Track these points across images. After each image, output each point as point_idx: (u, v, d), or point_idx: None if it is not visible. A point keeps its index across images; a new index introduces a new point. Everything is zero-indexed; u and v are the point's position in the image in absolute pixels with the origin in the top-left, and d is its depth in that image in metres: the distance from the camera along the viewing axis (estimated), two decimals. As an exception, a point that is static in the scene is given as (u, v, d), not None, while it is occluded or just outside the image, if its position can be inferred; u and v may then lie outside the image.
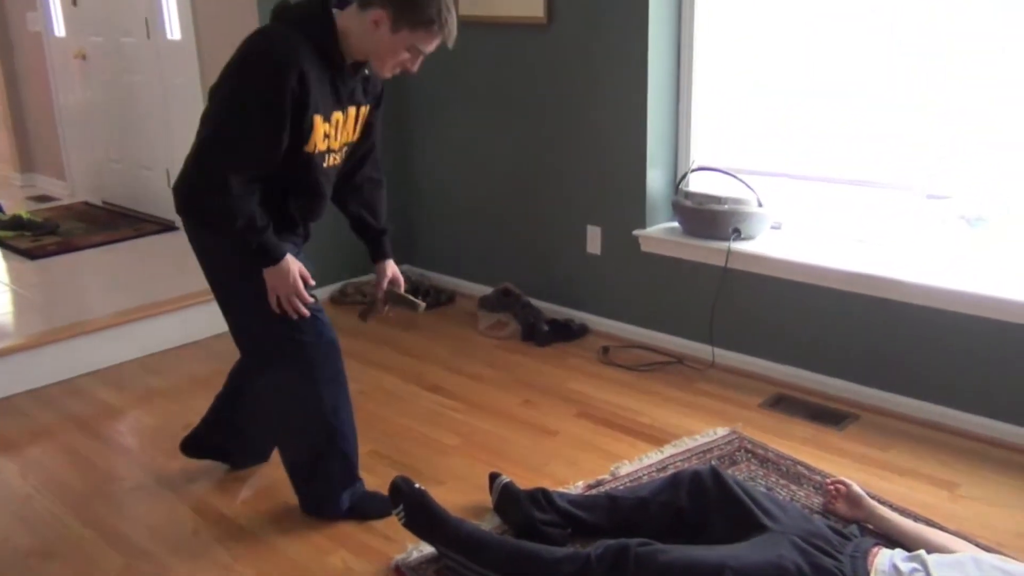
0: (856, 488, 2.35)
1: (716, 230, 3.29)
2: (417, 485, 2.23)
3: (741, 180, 3.33)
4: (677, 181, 3.53)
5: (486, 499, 2.48)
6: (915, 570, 1.85)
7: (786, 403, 3.10)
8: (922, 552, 1.93)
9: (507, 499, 2.37)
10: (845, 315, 3.06)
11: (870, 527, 2.27)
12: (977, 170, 2.85)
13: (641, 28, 3.32)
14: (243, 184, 2.10)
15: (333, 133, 2.24)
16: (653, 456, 2.73)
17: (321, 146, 2.20)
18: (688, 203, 3.36)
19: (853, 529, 2.15)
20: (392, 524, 2.28)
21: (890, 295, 2.93)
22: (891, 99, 2.97)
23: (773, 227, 3.39)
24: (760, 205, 3.29)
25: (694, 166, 3.49)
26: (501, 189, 4.03)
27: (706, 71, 3.41)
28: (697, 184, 3.50)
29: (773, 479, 2.59)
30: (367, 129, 2.43)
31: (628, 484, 2.54)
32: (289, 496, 2.54)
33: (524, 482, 2.42)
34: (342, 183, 2.46)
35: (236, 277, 2.29)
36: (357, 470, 2.47)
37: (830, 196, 3.32)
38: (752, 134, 3.36)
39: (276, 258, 2.19)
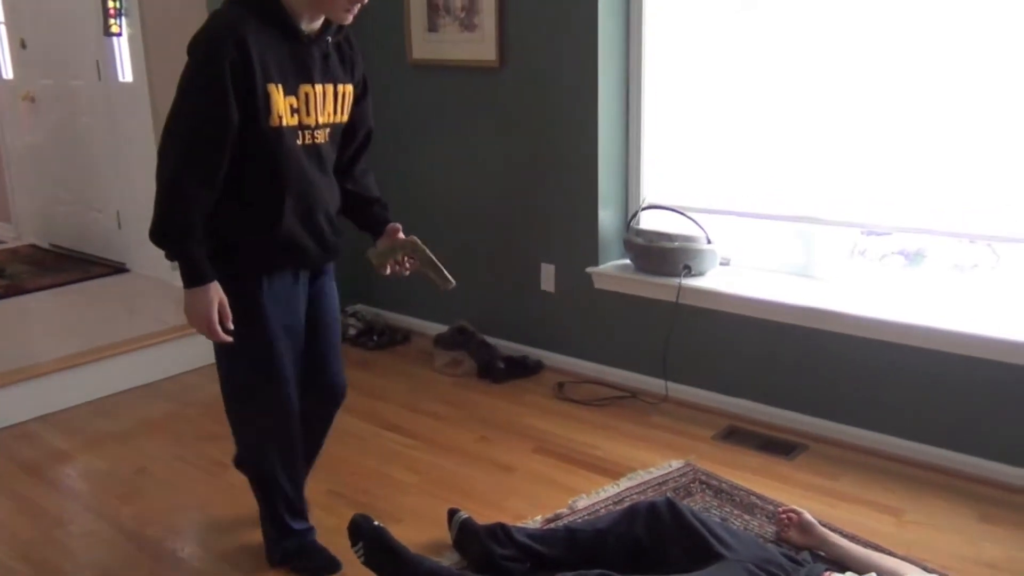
0: (807, 516, 2.41)
1: (667, 267, 3.37)
2: (376, 522, 2.24)
3: (690, 218, 3.42)
4: (628, 219, 3.61)
5: (445, 536, 2.48)
6: (864, 592, 1.90)
7: (738, 435, 3.16)
8: (872, 574, 1.99)
9: (466, 534, 2.39)
10: (793, 348, 3.15)
11: (822, 554, 2.33)
12: (915, 206, 2.96)
13: (590, 70, 3.42)
14: (197, 184, 2.01)
15: (304, 108, 2.11)
16: (610, 489, 2.77)
17: (289, 120, 2.08)
18: (639, 241, 3.44)
19: (805, 555, 2.20)
20: (353, 562, 2.27)
21: (835, 328, 3.02)
22: (834, 138, 3.08)
23: (722, 263, 3.48)
24: (709, 242, 3.37)
25: (644, 204, 3.58)
26: (455, 228, 4.08)
27: (655, 112, 3.51)
28: (648, 222, 3.59)
29: (727, 509, 2.64)
30: (359, 116, 2.33)
31: (586, 517, 2.56)
32: (247, 538, 2.53)
33: (483, 518, 2.44)
34: (339, 176, 2.34)
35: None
36: (290, 523, 2.42)
37: (776, 232, 3.43)
38: (700, 172, 3.45)
39: (194, 281, 2.06)
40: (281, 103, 2.05)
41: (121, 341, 3.75)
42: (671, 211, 3.49)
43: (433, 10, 3.87)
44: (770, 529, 2.50)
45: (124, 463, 3.04)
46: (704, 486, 2.77)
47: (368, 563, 2.19)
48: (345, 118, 2.27)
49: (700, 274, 3.39)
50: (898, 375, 2.93)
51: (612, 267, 3.59)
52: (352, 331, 4.23)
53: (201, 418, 3.39)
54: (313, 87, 2.12)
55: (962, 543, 2.47)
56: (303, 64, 2.10)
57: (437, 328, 4.12)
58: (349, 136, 2.34)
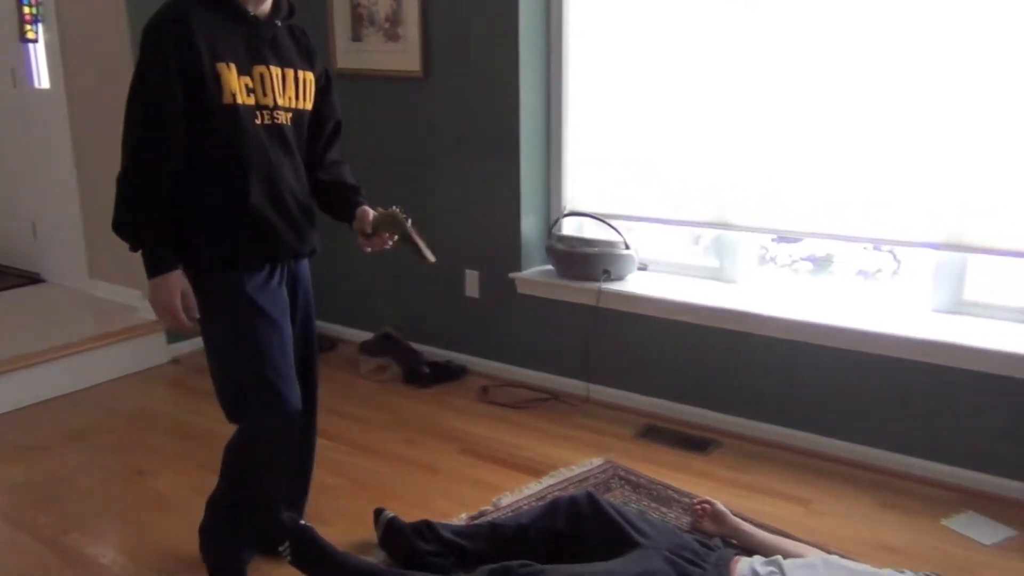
0: (720, 506, 2.52)
1: (587, 272, 3.47)
2: (303, 521, 2.26)
3: (609, 224, 3.53)
4: (550, 226, 3.70)
5: (372, 535, 2.52)
6: (772, 572, 2.01)
7: (656, 433, 3.27)
8: (778, 557, 2.10)
9: (392, 533, 2.43)
10: (707, 349, 3.28)
11: (733, 541, 2.44)
12: (822, 213, 3.12)
13: (512, 80, 3.51)
14: (151, 168, 2.03)
15: (260, 88, 2.14)
16: (533, 487, 2.84)
17: (245, 98, 2.10)
18: (561, 247, 3.54)
19: (717, 542, 2.30)
20: (280, 563, 2.29)
21: (746, 329, 3.16)
22: (746, 146, 3.22)
23: (640, 268, 3.59)
24: (627, 247, 3.49)
25: (566, 211, 3.68)
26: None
27: (577, 121, 3.61)
28: (569, 228, 3.69)
29: (645, 503, 2.73)
30: (327, 109, 2.38)
31: (510, 514, 2.63)
32: (169, 542, 2.52)
33: (409, 517, 2.48)
34: (312, 168, 2.36)
35: (204, 315, 2.19)
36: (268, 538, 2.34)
37: (692, 238, 3.56)
38: (620, 180, 3.56)
39: (156, 269, 2.08)
40: (234, 81, 2.08)
41: (37, 352, 3.68)
42: (591, 218, 3.60)
43: (357, 20, 3.92)
44: (685, 520, 2.61)
45: (42, 473, 3.00)
46: (623, 481, 2.87)
47: (295, 562, 2.21)
48: (309, 105, 2.29)
49: (619, 279, 3.50)
50: (805, 373, 3.08)
51: (534, 273, 3.67)
52: (277, 339, 4.22)
53: (122, 427, 3.36)
54: (268, 68, 2.15)
55: (863, 529, 2.61)
56: (255, 46, 2.14)
57: (363, 335, 4.15)
58: (317, 127, 2.37)
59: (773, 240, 3.46)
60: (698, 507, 2.56)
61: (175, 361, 4.03)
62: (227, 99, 2.07)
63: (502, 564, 2.08)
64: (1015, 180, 2.71)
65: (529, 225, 3.68)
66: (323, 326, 4.40)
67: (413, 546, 2.35)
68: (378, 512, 2.52)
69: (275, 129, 2.18)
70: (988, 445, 2.79)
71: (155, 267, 2.08)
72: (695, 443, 3.18)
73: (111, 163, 2.11)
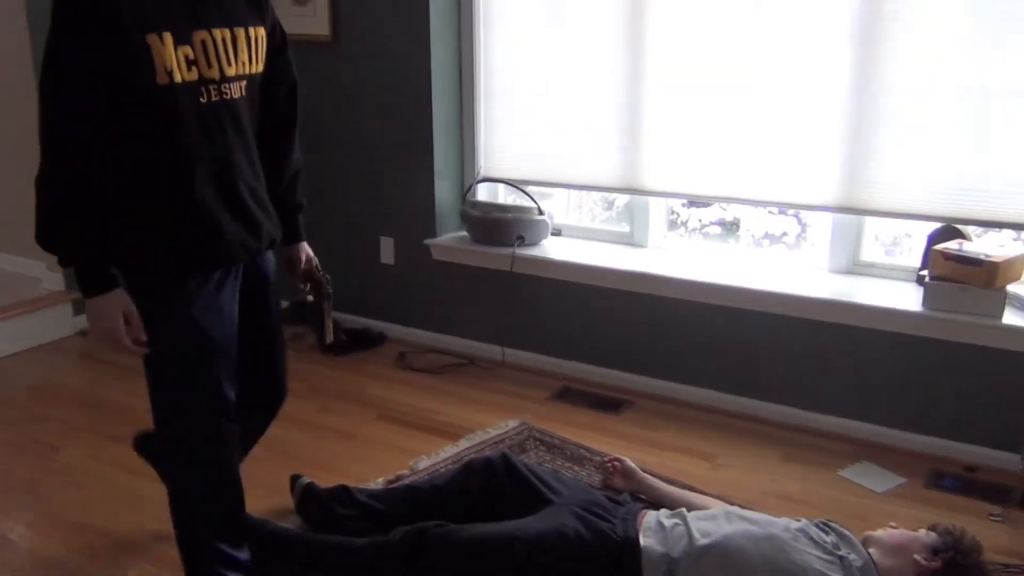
0: (629, 463, 2.61)
1: (501, 237, 3.51)
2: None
3: (523, 189, 3.56)
4: (464, 191, 3.72)
5: (288, 502, 2.53)
6: (676, 524, 2.10)
7: (570, 395, 3.35)
8: (683, 510, 2.19)
9: (308, 498, 2.45)
10: (619, 311, 3.36)
11: (643, 496, 2.53)
12: (730, 179, 3.21)
13: (423, 44, 3.49)
14: (74, 167, 1.71)
15: (204, 59, 1.78)
16: (449, 450, 2.89)
17: (186, 74, 1.75)
18: (475, 212, 3.56)
19: (626, 497, 2.39)
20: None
21: (656, 291, 3.24)
22: (656, 111, 3.28)
23: (554, 233, 3.65)
24: (541, 213, 3.53)
25: (480, 177, 3.70)
26: (294, 203, 4.08)
27: (490, 85, 3.62)
28: (486, 194, 3.72)
29: (559, 462, 2.81)
30: (279, 69, 2.06)
31: (426, 477, 2.67)
32: (80, 516, 2.49)
33: (326, 483, 2.50)
34: (265, 156, 2.04)
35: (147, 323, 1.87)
36: (232, 553, 2.10)
37: (604, 202, 3.62)
38: (534, 145, 3.58)
39: (93, 287, 1.77)
40: (170, 55, 1.72)
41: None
42: (505, 183, 3.63)
43: (265, -17, 3.83)
44: (597, 477, 2.69)
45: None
46: (538, 442, 2.94)
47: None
48: (261, 68, 1.95)
49: (533, 244, 3.55)
50: (711, 334, 3.18)
51: (449, 239, 3.69)
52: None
53: (30, 401, 3.28)
54: (210, 33, 1.79)
55: (766, 481, 2.74)
56: (193, 6, 1.78)
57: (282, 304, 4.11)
58: (268, 94, 2.02)
59: (684, 205, 3.55)
60: (608, 464, 2.64)
61: (82, 333, 3.94)
62: (161, 79, 1.72)
63: (417, 525, 2.12)
64: (902, 147, 2.84)
65: (443, 191, 3.69)
66: (237, 295, 4.37)
67: (330, 511, 2.38)
68: (294, 478, 2.54)
69: (224, 107, 1.84)
70: (882, 399, 2.94)
71: (92, 285, 1.78)
72: (608, 404, 3.27)
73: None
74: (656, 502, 2.46)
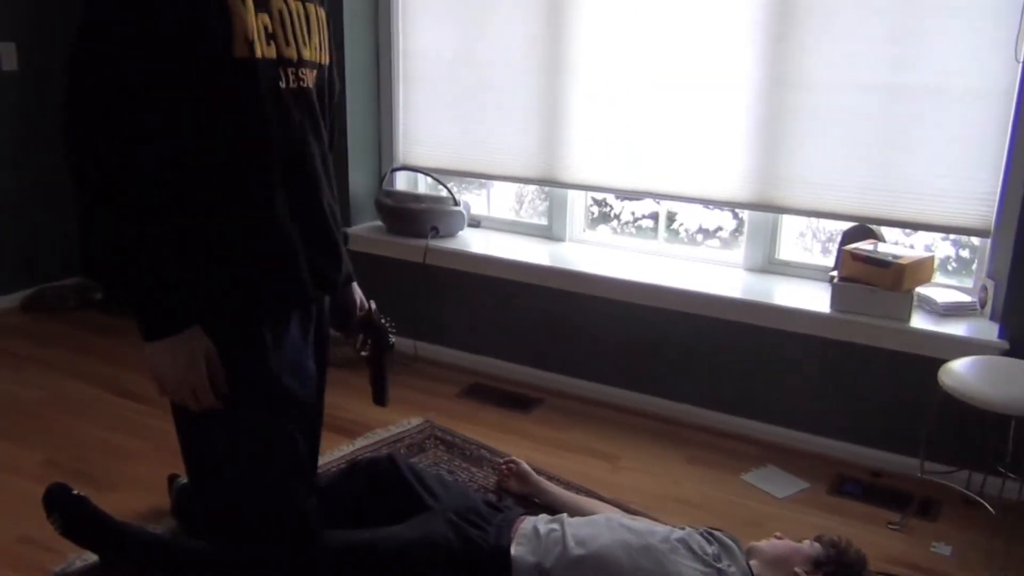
0: (524, 466, 2.52)
1: (416, 228, 3.40)
2: (75, 491, 2.14)
3: (439, 180, 3.46)
4: (380, 181, 3.61)
5: (166, 503, 2.42)
6: (553, 530, 2.02)
7: (481, 391, 3.26)
8: (563, 515, 2.11)
9: (185, 500, 2.34)
10: (532, 306, 3.27)
11: (536, 500, 2.45)
12: (663, 173, 3.12)
13: (335, 26, 3.37)
14: (139, 165, 1.34)
15: (282, 33, 1.44)
16: (344, 448, 2.79)
17: (265, 49, 1.40)
18: (389, 202, 3.45)
19: (509, 503, 2.30)
20: (53, 535, 2.17)
21: (570, 287, 3.16)
22: (583, 103, 3.19)
23: (472, 225, 3.55)
24: (456, 204, 3.43)
25: (395, 166, 3.59)
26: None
27: (408, 73, 3.51)
28: (404, 184, 3.61)
29: (457, 463, 2.72)
30: (331, 65, 1.67)
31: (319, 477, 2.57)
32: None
33: (209, 482, 2.39)
34: None
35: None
36: None
37: (523, 195, 3.53)
38: (453, 135, 3.48)
39: (161, 327, 1.39)
40: (251, 22, 1.36)
41: None
42: (421, 173, 3.52)
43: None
44: (494, 479, 2.61)
45: None
46: (438, 441, 2.84)
47: (66, 533, 2.09)
48: (328, 59, 1.61)
49: (449, 235, 3.45)
50: (624, 331, 3.11)
51: (364, 229, 3.58)
52: (98, 296, 4.01)
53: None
54: (287, 3, 1.45)
55: (667, 484, 2.67)
56: None
57: (194, 292, 3.98)
58: (321, 83, 1.63)
59: (617, 198, 3.45)
60: (503, 467, 2.56)
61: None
62: (240, 50, 1.37)
63: (285, 531, 2.02)
64: (814, 145, 2.77)
65: (358, 179, 3.58)
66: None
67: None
68: (172, 478, 2.42)
69: (303, 97, 1.49)
70: (790, 401, 2.88)
71: (164, 322, 1.39)
72: (518, 401, 3.18)
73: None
74: (550, 507, 2.38)
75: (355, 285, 1.87)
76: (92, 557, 2.14)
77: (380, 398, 1.90)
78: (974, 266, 2.82)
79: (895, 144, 2.66)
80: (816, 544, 2.01)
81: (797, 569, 1.94)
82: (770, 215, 3.01)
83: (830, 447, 2.84)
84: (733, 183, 2.94)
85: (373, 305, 1.89)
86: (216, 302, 1.44)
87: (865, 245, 2.73)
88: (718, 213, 3.31)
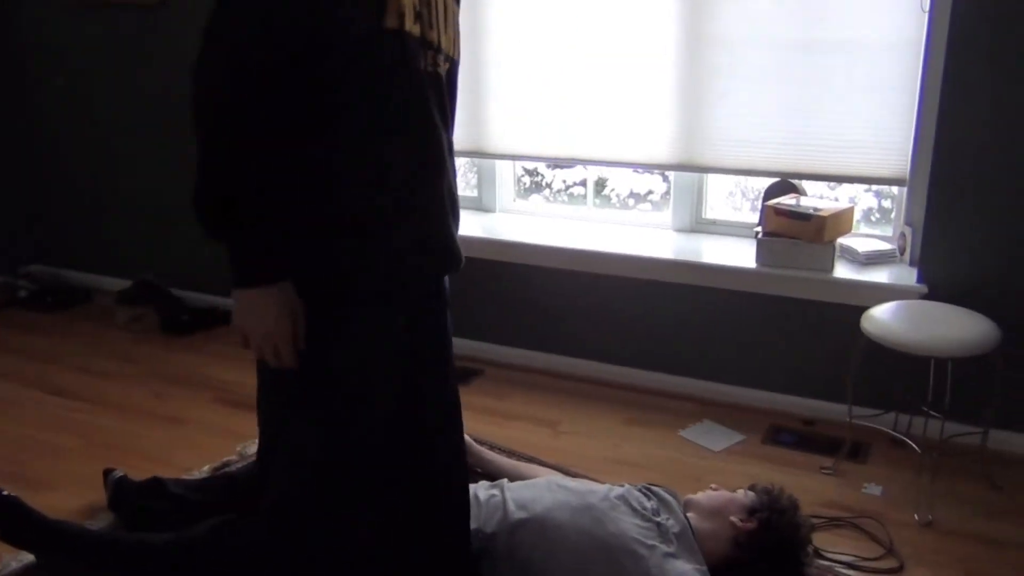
0: (465, 437, 2.53)
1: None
2: (5, 492, 2.09)
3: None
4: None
5: (103, 498, 2.37)
6: (493, 496, 2.04)
7: (420, 367, 3.25)
8: (503, 480, 2.14)
9: (120, 493, 2.30)
10: (466, 278, 3.24)
11: (479, 470, 2.46)
12: (594, 140, 3.13)
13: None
14: (259, 117, 1.32)
15: (427, 14, 1.41)
16: (283, 432, 2.76)
17: (411, 24, 1.38)
18: (316, 181, 3.41)
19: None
20: None
21: (502, 256, 3.16)
22: (503, 72, 3.17)
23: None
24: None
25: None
26: (133, 177, 3.85)
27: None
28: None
29: (398, 439, 2.72)
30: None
31: (252, 462, 2.55)
32: None
33: (147, 474, 2.34)
34: None
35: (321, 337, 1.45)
36: None
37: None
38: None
39: (254, 276, 1.39)
40: None
41: None
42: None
43: (82, -60, 3.57)
44: (435, 453, 2.61)
45: None
46: (379, 419, 2.84)
47: (1, 536, 2.05)
48: (457, 55, 1.56)
49: (379, 212, 3.42)
50: (558, 298, 3.13)
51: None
52: (23, 293, 3.91)
53: None
54: None
55: (607, 446, 2.71)
56: None
57: (123, 284, 3.90)
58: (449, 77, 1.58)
59: (548, 167, 3.45)
60: (444, 439, 2.56)
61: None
62: (391, 21, 1.34)
63: (226, 516, 2.00)
64: (734, 103, 2.81)
65: (283, 160, 3.52)
66: (77, 276, 4.13)
67: (141, 506, 2.23)
68: (107, 472, 2.38)
69: (436, 82, 1.46)
70: (724, 356, 2.94)
71: (261, 270, 1.38)
72: (459, 373, 3.18)
73: None
74: (490, 475, 2.39)
75: None
76: (28, 557, 2.10)
77: None
78: (892, 215, 2.90)
79: (812, 99, 2.71)
80: (750, 492, 2.07)
81: (733, 518, 2.00)
82: (696, 176, 3.05)
83: (763, 399, 2.90)
84: (659, 146, 2.97)
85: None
86: (353, 276, 1.43)
87: (787, 200, 2.78)
88: (648, 177, 3.34)
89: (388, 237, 1.44)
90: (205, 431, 2.80)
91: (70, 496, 2.41)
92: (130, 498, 2.27)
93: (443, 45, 1.47)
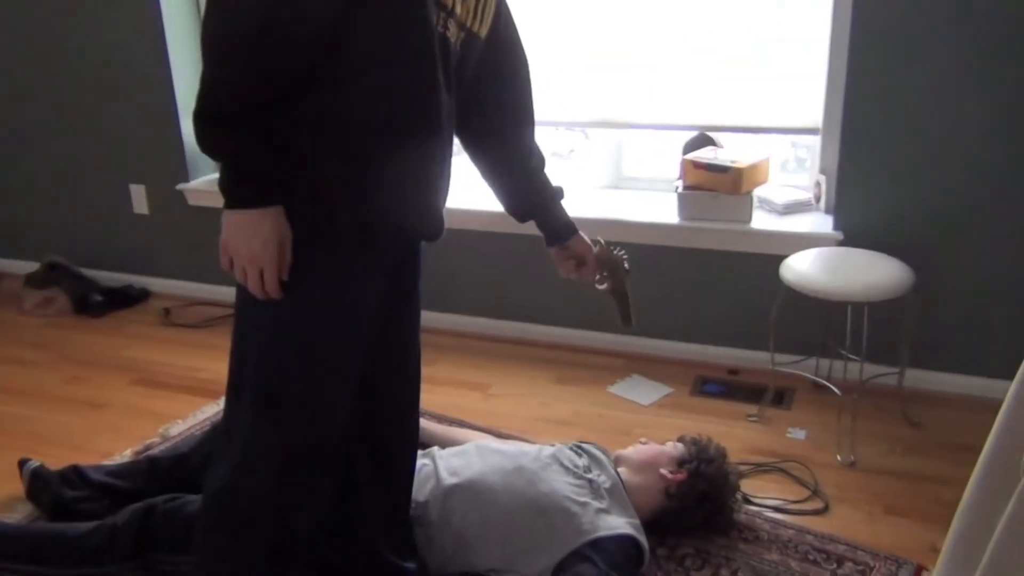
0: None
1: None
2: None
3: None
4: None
5: (19, 489, 2.29)
6: (424, 465, 2.02)
7: (346, 337, 3.21)
8: (433, 449, 2.13)
9: (38, 483, 2.21)
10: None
11: (409, 438, 2.44)
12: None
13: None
14: (279, 37, 1.27)
15: None
16: (208, 410, 2.70)
17: None
18: (229, 152, 3.31)
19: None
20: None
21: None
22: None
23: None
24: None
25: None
26: (30, 157, 3.68)
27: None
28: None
29: (326, 411, 2.68)
30: (507, 30, 1.61)
31: (175, 443, 2.48)
32: None
33: (67, 461, 2.26)
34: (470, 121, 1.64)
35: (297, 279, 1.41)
36: None
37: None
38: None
39: (255, 196, 1.33)
40: None
41: None
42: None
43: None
44: (364, 423, 2.58)
45: None
46: (306, 392, 2.79)
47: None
48: (485, 30, 1.53)
49: (296, 181, 3.34)
50: (483, 260, 3.11)
51: (205, 182, 3.43)
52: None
53: None
54: None
55: (539, 406, 2.71)
56: None
57: (30, 267, 3.74)
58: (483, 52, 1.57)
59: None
60: (373, 408, 2.53)
61: None
62: None
63: (146, 502, 1.95)
64: (650, 58, 2.81)
65: (191, 131, 3.40)
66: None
67: (58, 495, 2.16)
68: (22, 462, 2.28)
69: (444, 45, 1.42)
70: (649, 311, 2.95)
71: (251, 192, 1.33)
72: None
73: None
74: (422, 443, 2.37)
75: (579, 232, 1.89)
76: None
77: (628, 320, 1.95)
78: (807, 164, 2.94)
79: (728, 52, 2.72)
80: (679, 444, 2.10)
81: (663, 470, 2.02)
82: (616, 132, 3.04)
83: (689, 351, 2.94)
84: (579, 103, 2.95)
85: (602, 240, 1.91)
86: (338, 213, 1.40)
87: (705, 153, 2.80)
88: (569, 134, 3.33)
89: (375, 179, 1.40)
90: (126, 414, 2.72)
91: (-16, 489, 2.32)
92: (48, 487, 2.19)
93: (458, 11, 1.43)
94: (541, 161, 1.79)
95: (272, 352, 1.46)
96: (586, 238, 1.90)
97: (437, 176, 1.50)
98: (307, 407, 1.49)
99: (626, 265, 1.93)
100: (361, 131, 1.37)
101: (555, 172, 1.89)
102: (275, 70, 1.29)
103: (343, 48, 1.32)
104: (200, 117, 1.30)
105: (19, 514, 2.21)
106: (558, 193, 1.83)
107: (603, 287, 1.96)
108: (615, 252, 1.92)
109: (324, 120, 1.36)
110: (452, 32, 1.43)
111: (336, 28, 1.30)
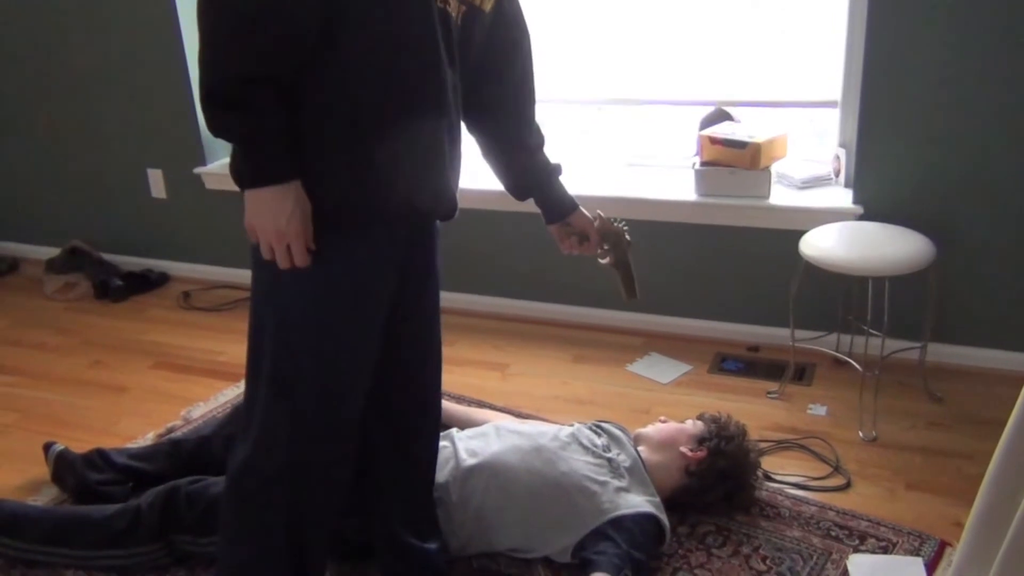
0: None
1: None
2: (-60, 475, 2.03)
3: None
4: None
5: (45, 473, 2.32)
6: (444, 447, 2.02)
7: (364, 318, 3.22)
8: (452, 430, 2.13)
9: (63, 467, 2.24)
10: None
11: (429, 418, 2.45)
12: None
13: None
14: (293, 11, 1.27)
15: None
16: (229, 392, 2.72)
17: None
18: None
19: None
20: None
21: (441, 202, 3.11)
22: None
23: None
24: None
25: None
26: (49, 144, 3.70)
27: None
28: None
29: (346, 392, 2.69)
30: (510, 5, 1.59)
31: (197, 426, 2.50)
32: None
33: (91, 445, 2.29)
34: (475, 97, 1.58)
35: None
36: None
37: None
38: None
39: (275, 173, 1.32)
40: None
41: None
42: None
43: None
44: (384, 404, 2.59)
45: None
46: (325, 373, 2.81)
47: (-63, 520, 1.99)
48: (489, 4, 1.50)
49: (312, 163, 3.34)
50: (499, 240, 3.10)
51: (221, 166, 3.42)
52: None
53: None
54: None
55: (557, 385, 2.71)
56: None
57: (51, 252, 3.77)
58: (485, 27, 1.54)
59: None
60: (392, 389, 2.54)
61: None
62: None
63: (169, 484, 1.97)
64: (668, 35, 2.78)
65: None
66: (2, 246, 3.98)
67: (84, 478, 2.18)
68: (47, 446, 2.31)
69: (445, 21, 1.41)
70: (667, 288, 2.95)
71: (268, 170, 1.32)
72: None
73: None
74: (444, 424, 2.38)
75: (581, 209, 1.88)
76: (-30, 539, 2.04)
77: (632, 292, 1.95)
78: (825, 138, 2.91)
79: (745, 26, 2.69)
80: (698, 422, 2.09)
81: (682, 448, 2.02)
82: (632, 108, 3.02)
83: (708, 328, 2.93)
84: (594, 80, 2.93)
85: (602, 213, 1.90)
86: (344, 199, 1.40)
87: (722, 128, 2.77)
88: (587, 111, 3.30)
89: (382, 158, 1.39)
90: (148, 398, 2.74)
91: (10, 473, 2.35)
92: (73, 471, 2.22)
93: None
94: (541, 139, 1.77)
95: (286, 335, 1.46)
96: (586, 213, 1.88)
97: (446, 153, 1.48)
98: (321, 389, 1.49)
99: (627, 236, 1.91)
100: (364, 110, 1.36)
101: (571, 150, 1.88)
102: (273, 48, 1.27)
103: (341, 25, 1.31)
104: (206, 100, 1.29)
105: (45, 497, 2.24)
106: (557, 170, 1.81)
107: (605, 261, 1.94)
108: (616, 224, 1.91)
109: (326, 99, 1.35)
110: (452, 6, 1.41)
111: (332, 3, 1.29)
